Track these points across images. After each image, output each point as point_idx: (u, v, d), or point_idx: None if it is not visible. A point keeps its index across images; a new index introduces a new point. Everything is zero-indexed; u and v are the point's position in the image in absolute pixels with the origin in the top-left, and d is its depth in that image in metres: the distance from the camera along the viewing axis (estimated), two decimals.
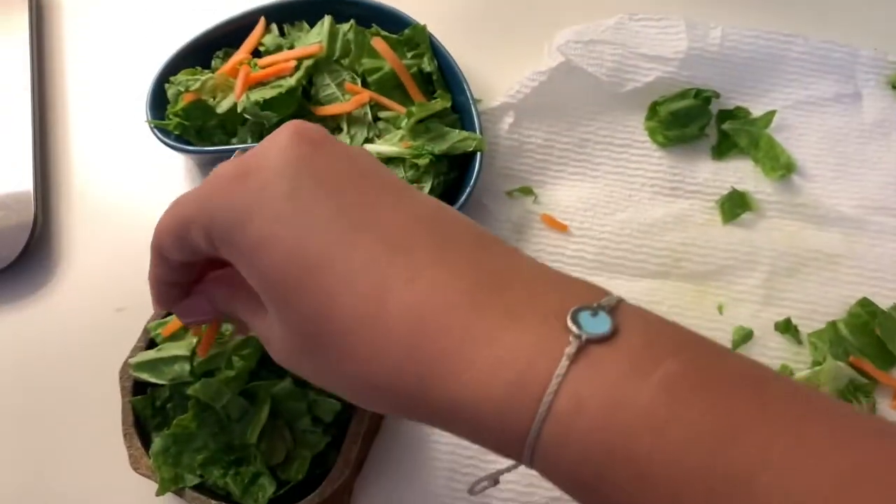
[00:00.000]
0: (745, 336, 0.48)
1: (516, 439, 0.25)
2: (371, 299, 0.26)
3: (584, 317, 0.25)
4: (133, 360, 0.44)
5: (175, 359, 0.44)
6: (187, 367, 0.43)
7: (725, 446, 0.22)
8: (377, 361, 0.26)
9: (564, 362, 0.24)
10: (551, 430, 0.24)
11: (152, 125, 0.51)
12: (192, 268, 0.35)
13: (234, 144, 0.51)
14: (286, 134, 0.28)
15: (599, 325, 0.25)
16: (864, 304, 0.48)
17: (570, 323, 0.25)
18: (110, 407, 0.44)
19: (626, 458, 0.23)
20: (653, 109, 0.53)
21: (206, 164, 0.55)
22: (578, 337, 0.24)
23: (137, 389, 0.45)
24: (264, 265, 0.27)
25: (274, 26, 0.55)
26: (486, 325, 0.25)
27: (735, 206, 0.51)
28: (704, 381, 0.24)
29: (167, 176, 0.55)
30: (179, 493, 0.43)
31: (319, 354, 0.28)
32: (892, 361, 0.47)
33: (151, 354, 0.44)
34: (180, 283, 0.36)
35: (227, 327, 0.43)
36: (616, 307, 0.26)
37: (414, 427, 0.47)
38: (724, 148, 0.53)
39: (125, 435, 0.44)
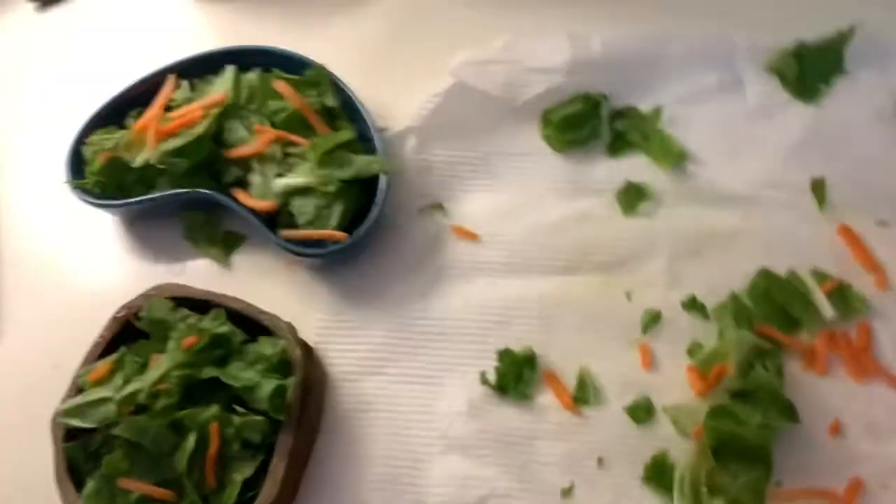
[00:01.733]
0: (654, 318, 0.50)
1: None
2: None
3: None
4: (61, 407, 0.46)
5: (101, 401, 0.45)
6: (113, 408, 0.45)
7: None
8: None
9: None
10: None
11: (73, 185, 0.54)
12: None
13: (152, 195, 0.54)
14: None
15: None
16: (764, 273, 0.50)
17: None
18: (48, 458, 0.45)
19: None
20: (545, 118, 0.56)
21: (131, 218, 0.57)
22: None
23: (71, 438, 0.46)
24: None
25: (185, 83, 0.57)
26: None
27: (633, 198, 0.53)
28: None
29: (94, 233, 0.57)
30: None
31: None
32: (795, 324, 0.49)
33: (78, 400, 0.46)
34: None
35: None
36: None
37: (346, 447, 0.48)
38: (617, 146, 0.56)
39: (58, 482, 0.45)
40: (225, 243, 0.55)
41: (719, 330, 0.49)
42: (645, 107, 0.56)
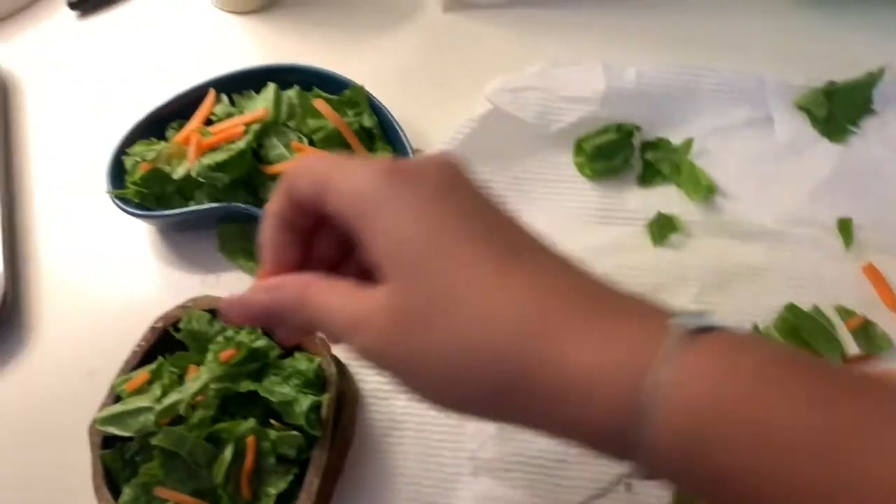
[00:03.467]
0: None
1: (623, 413, 0.26)
2: (494, 275, 0.29)
3: (685, 317, 0.28)
4: (99, 416, 0.46)
5: (139, 410, 0.46)
6: (151, 417, 0.45)
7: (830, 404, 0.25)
8: (488, 335, 0.28)
9: (674, 344, 0.26)
10: (662, 398, 0.26)
11: (113, 195, 0.55)
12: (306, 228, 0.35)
13: (191, 207, 0.55)
14: (444, 159, 0.32)
15: (702, 318, 0.27)
16: (790, 308, 0.51)
17: (675, 319, 0.27)
18: (84, 465, 0.46)
19: (740, 420, 0.25)
20: (578, 146, 0.57)
21: (168, 229, 0.58)
22: (684, 327, 0.27)
23: (107, 445, 0.47)
24: (401, 237, 0.29)
25: (225, 98, 0.58)
26: (596, 320, 0.28)
27: (663, 228, 0.54)
28: (807, 363, 0.27)
29: (130, 243, 0.58)
30: None
31: (426, 329, 0.29)
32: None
33: (116, 408, 0.47)
34: (295, 240, 0.35)
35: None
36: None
37: (377, 463, 0.49)
38: (648, 176, 0.57)
39: (96, 489, 0.46)
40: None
41: None
42: (676, 139, 0.58)
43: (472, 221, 0.30)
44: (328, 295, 0.32)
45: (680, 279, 0.53)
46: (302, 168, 0.33)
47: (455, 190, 0.31)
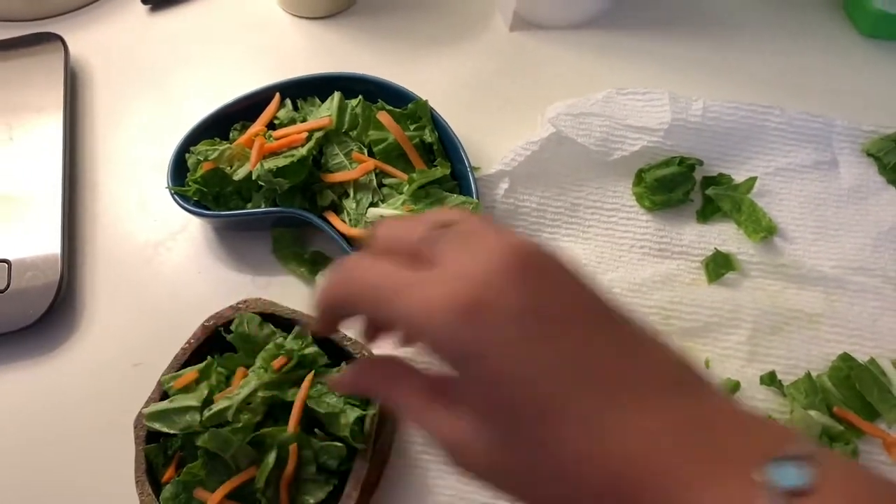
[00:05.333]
0: (733, 388, 0.50)
1: None
2: (589, 440, 0.28)
3: (785, 468, 0.26)
4: (146, 411, 0.47)
5: (186, 409, 0.47)
6: (197, 417, 0.46)
7: None
8: (595, 465, 0.28)
9: None
10: None
11: (173, 191, 0.55)
12: None
13: (248, 209, 0.55)
14: (511, 260, 0.29)
15: (799, 477, 0.26)
16: (845, 358, 0.50)
17: (770, 475, 0.26)
18: (125, 456, 0.46)
19: None
20: (639, 176, 0.57)
21: (223, 228, 0.59)
22: (779, 491, 0.25)
23: (151, 439, 0.47)
24: (497, 398, 0.29)
25: (288, 101, 0.59)
26: (687, 473, 0.27)
27: (719, 266, 0.54)
28: None
29: (185, 239, 0.59)
30: None
31: (522, 475, 0.30)
32: (874, 412, 0.49)
33: (164, 405, 0.47)
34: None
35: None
36: (814, 456, 0.26)
37: (414, 480, 0.49)
38: (708, 212, 0.56)
39: (137, 482, 0.46)
40: (311, 263, 0.57)
41: (791, 408, 0.49)
42: (738, 176, 0.57)
43: (562, 370, 0.29)
44: (424, 414, 0.33)
45: (733, 319, 0.52)
46: (358, 292, 0.32)
47: (534, 318, 0.29)
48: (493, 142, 0.59)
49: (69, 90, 0.65)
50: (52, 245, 0.57)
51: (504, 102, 0.62)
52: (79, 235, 0.59)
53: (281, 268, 0.57)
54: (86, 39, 0.68)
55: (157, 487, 0.46)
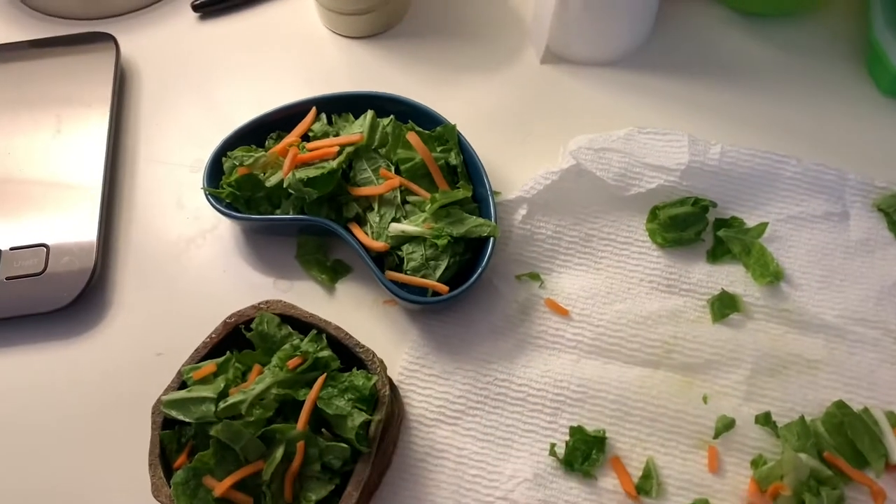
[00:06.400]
0: (728, 424, 0.51)
1: None
2: None
3: None
4: (165, 398, 0.49)
5: (202, 400, 0.49)
6: (212, 408, 0.48)
7: None
8: None
9: None
10: None
11: (207, 192, 0.58)
12: None
13: (277, 215, 0.58)
14: None
15: None
16: (840, 405, 0.51)
17: None
18: (141, 439, 0.49)
19: None
20: (653, 213, 0.59)
21: (251, 231, 0.61)
22: None
23: (166, 425, 0.50)
24: None
25: (323, 116, 0.62)
26: None
27: (724, 306, 0.55)
28: None
29: (215, 239, 0.62)
30: None
31: None
32: (864, 460, 0.50)
33: (182, 394, 0.49)
34: None
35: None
36: None
37: (412, 487, 0.51)
38: (718, 253, 0.58)
39: (150, 464, 0.49)
40: (333, 270, 0.59)
41: (782, 449, 0.51)
42: (750, 220, 0.59)
43: None
44: None
45: (733, 359, 0.54)
46: None
47: None
48: (515, 170, 0.62)
49: (118, 88, 0.68)
50: (89, 233, 0.60)
51: (528, 133, 0.65)
52: (115, 226, 0.62)
53: (303, 273, 0.60)
54: (137, 41, 0.72)
55: (168, 472, 0.49)
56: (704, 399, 0.53)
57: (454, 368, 0.55)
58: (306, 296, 0.58)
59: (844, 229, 0.58)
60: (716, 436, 0.51)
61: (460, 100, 0.66)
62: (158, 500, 0.47)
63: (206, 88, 0.69)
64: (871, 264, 0.57)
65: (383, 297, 0.58)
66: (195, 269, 0.60)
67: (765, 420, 0.51)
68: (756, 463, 0.50)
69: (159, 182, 0.65)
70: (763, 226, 0.58)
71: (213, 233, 0.62)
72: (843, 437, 0.50)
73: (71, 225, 0.61)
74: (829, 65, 0.67)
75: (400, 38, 0.71)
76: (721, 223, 0.59)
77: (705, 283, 0.57)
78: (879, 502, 0.49)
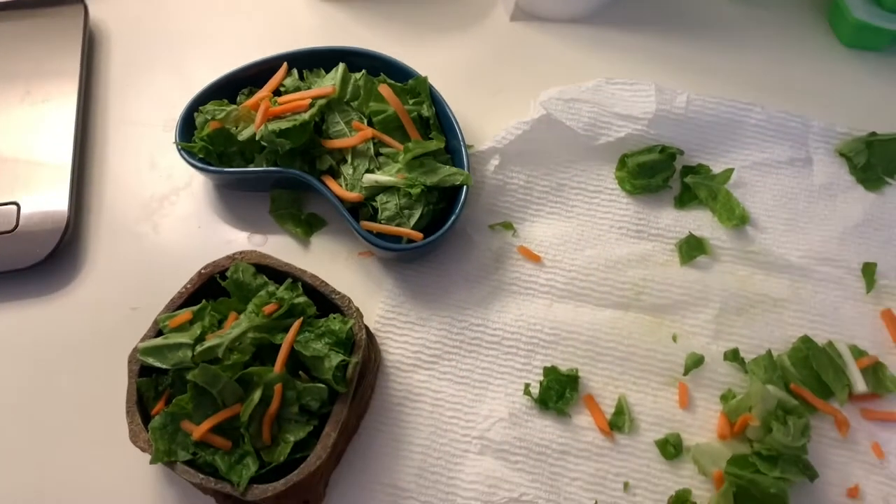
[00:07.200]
0: (697, 361, 0.53)
1: None
2: None
3: None
4: (141, 345, 0.50)
5: (179, 346, 0.49)
6: (189, 353, 0.48)
7: None
8: None
9: None
10: None
11: (180, 146, 0.58)
12: None
13: (251, 168, 0.58)
14: None
15: None
16: (805, 340, 0.53)
17: None
18: (119, 390, 0.49)
19: None
20: (622, 161, 0.60)
21: (225, 186, 0.62)
22: None
23: (143, 374, 0.50)
24: None
25: (295, 71, 0.62)
26: None
27: (692, 249, 0.57)
28: None
29: (188, 194, 0.62)
30: (171, 466, 0.47)
31: None
32: (829, 392, 0.51)
33: (158, 341, 0.50)
34: None
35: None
36: None
37: (390, 430, 0.52)
38: (685, 198, 0.59)
39: (128, 411, 0.49)
40: (308, 224, 0.60)
41: (750, 382, 0.52)
42: (716, 167, 0.60)
43: None
44: None
45: (701, 299, 0.55)
46: None
47: None
48: (488, 123, 0.62)
49: (87, 51, 0.68)
50: (61, 193, 0.60)
51: (500, 88, 0.65)
52: (88, 186, 0.62)
53: (277, 228, 0.60)
54: (106, 4, 0.71)
55: (146, 420, 0.49)
56: (674, 338, 0.54)
57: (430, 315, 0.55)
58: (281, 250, 0.59)
59: (808, 174, 0.60)
60: (685, 372, 0.53)
61: (432, 58, 0.66)
62: (137, 446, 0.48)
63: (177, 51, 0.69)
64: (834, 207, 0.59)
65: (358, 249, 0.59)
66: (169, 225, 0.61)
67: (733, 356, 0.53)
68: (725, 397, 0.52)
69: (132, 142, 0.64)
70: (729, 172, 0.59)
71: (187, 190, 0.62)
72: (809, 370, 0.52)
73: (43, 185, 0.60)
74: (792, 17, 0.68)
75: None
76: (688, 170, 0.60)
77: (673, 228, 0.58)
78: (843, 429, 0.50)
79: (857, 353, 0.53)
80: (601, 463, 0.50)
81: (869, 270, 0.56)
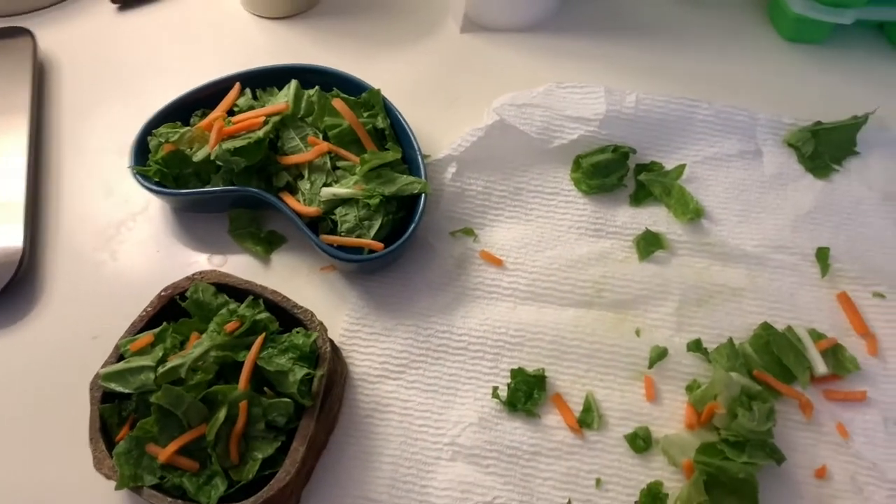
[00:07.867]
0: (661, 354, 0.53)
1: None
2: None
3: None
4: (103, 371, 0.49)
5: (141, 369, 0.49)
6: (152, 376, 0.48)
7: None
8: None
9: None
10: None
11: (135, 171, 0.58)
12: None
13: (207, 188, 0.58)
14: None
15: None
16: (765, 327, 0.54)
17: None
18: (83, 422, 0.48)
19: None
20: (577, 162, 0.61)
21: (182, 209, 0.61)
22: None
23: (106, 400, 0.49)
24: None
25: (248, 91, 0.62)
26: None
27: (649, 244, 0.57)
28: None
29: (145, 219, 0.61)
30: (138, 491, 0.46)
31: None
32: (791, 376, 0.52)
33: (120, 366, 0.49)
34: None
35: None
36: None
37: (359, 442, 0.51)
38: (640, 196, 0.60)
39: (91, 439, 0.48)
40: (267, 242, 0.59)
41: (714, 371, 0.53)
42: (669, 163, 0.61)
43: None
44: None
45: (661, 292, 0.56)
46: None
47: None
48: (443, 133, 0.63)
49: (37, 83, 0.67)
50: (14, 226, 0.59)
51: (454, 98, 0.66)
52: (43, 218, 0.61)
53: (236, 248, 0.60)
54: (55, 35, 0.71)
55: (110, 447, 0.48)
56: (637, 332, 0.54)
57: (395, 325, 0.55)
58: (242, 269, 0.58)
59: (758, 165, 0.61)
60: (650, 366, 0.53)
61: (385, 72, 0.67)
62: (101, 473, 0.47)
63: (129, 78, 0.69)
64: (785, 196, 0.60)
65: (320, 264, 0.59)
66: (128, 251, 0.60)
67: (696, 347, 0.53)
68: (691, 388, 0.52)
69: (87, 170, 0.64)
70: (681, 167, 0.60)
71: (144, 215, 0.61)
72: (770, 356, 0.53)
73: None
74: (734, 15, 0.70)
75: (321, 16, 0.72)
76: (641, 168, 0.61)
77: (630, 225, 0.59)
78: (808, 412, 0.51)
79: (816, 336, 0.53)
80: (572, 461, 0.50)
81: (823, 255, 0.57)
